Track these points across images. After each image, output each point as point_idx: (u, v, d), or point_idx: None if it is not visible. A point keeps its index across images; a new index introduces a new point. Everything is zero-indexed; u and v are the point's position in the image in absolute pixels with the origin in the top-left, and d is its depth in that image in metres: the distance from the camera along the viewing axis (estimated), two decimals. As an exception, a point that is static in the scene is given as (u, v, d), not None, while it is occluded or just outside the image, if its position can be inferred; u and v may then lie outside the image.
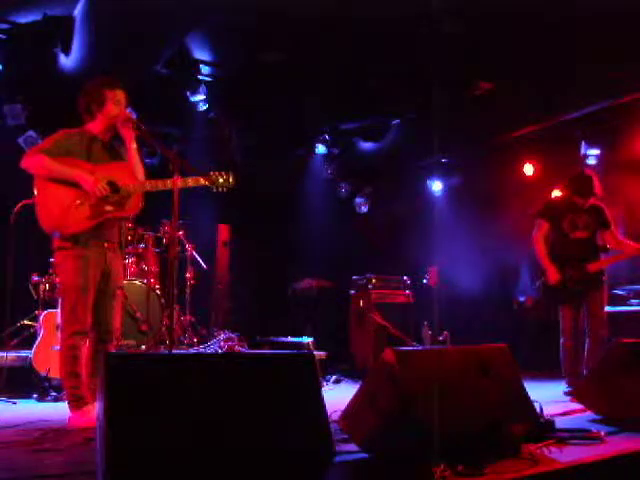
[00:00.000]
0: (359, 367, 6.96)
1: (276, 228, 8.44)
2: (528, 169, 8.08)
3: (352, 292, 7.51)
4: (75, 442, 3.03)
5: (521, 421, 2.84)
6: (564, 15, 5.47)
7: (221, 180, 3.84)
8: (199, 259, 6.94)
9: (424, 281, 8.09)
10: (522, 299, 7.95)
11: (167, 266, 6.38)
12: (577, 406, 3.92)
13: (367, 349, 7.02)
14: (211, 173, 3.84)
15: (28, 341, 5.41)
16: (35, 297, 5.55)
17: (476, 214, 8.12)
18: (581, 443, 2.92)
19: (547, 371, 6.18)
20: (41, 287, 5.50)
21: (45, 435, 3.20)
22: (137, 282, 6.13)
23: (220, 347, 6.15)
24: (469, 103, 7.27)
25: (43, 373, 4.91)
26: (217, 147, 7.99)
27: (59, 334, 4.04)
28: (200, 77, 7.20)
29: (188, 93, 7.20)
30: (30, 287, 5.60)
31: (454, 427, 2.55)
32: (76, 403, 3.62)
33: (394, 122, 8.40)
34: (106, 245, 3.79)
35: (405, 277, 7.58)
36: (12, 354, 5.21)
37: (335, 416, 2.86)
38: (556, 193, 6.63)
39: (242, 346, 6.31)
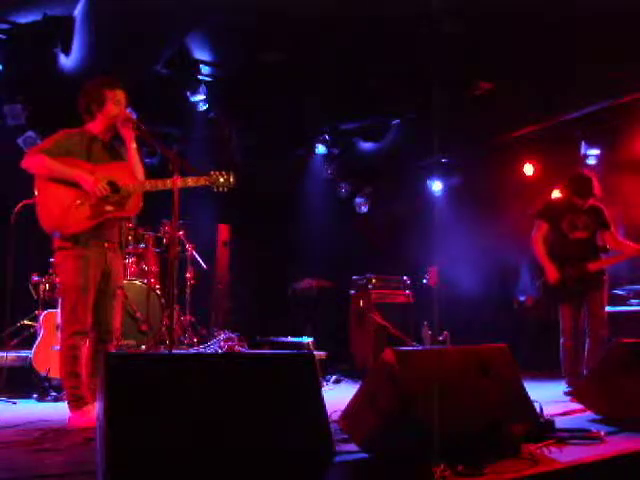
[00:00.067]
0: (359, 367, 6.96)
1: (276, 228, 8.43)
2: (528, 169, 8.08)
3: (352, 292, 7.51)
4: (75, 442, 3.03)
5: (521, 421, 2.84)
6: (564, 15, 5.47)
7: (221, 180, 3.84)
8: (199, 259, 6.93)
9: (424, 281, 8.08)
10: (522, 299, 7.95)
11: (167, 266, 6.38)
12: (577, 406, 3.92)
13: (367, 349, 7.02)
14: (211, 173, 3.83)
15: (28, 341, 5.41)
16: (35, 297, 5.55)
17: (476, 214, 8.11)
18: (581, 443, 2.92)
19: (547, 371, 6.18)
20: (41, 287, 5.50)
21: (45, 435, 3.20)
22: (137, 282, 6.13)
23: (220, 347, 6.14)
24: (469, 103, 7.27)
25: (43, 373, 4.91)
26: (217, 147, 7.98)
27: (59, 334, 4.04)
28: (200, 77, 7.21)
29: (188, 93, 7.21)
30: (30, 287, 5.60)
31: (454, 427, 2.55)
32: (76, 403, 3.62)
33: (394, 122, 8.40)
34: (106, 245, 3.79)
35: (405, 277, 7.57)
36: (12, 354, 5.21)
37: (335, 416, 2.85)
38: (556, 193, 6.63)
39: (242, 346, 6.31)
